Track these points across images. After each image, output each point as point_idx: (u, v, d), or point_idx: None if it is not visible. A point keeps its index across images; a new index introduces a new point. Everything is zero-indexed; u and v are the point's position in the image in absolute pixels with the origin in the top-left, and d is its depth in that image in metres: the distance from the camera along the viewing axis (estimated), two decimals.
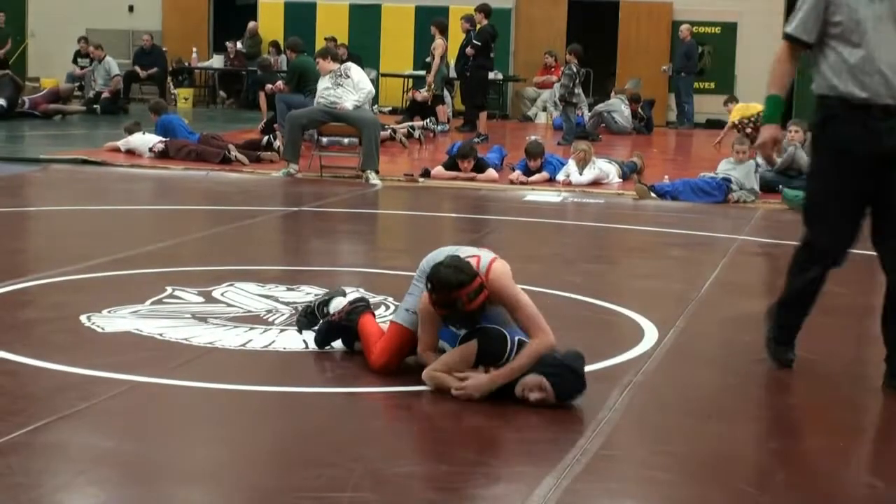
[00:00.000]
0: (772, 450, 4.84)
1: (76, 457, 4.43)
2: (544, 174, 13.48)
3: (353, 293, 6.39)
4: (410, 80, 22.42)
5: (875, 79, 5.30)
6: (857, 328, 7.21)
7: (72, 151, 14.97)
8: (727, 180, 12.46)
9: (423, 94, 19.62)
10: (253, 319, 6.52)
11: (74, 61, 23.42)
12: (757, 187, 12.57)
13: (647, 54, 23.30)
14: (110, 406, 5.01)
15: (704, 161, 15.22)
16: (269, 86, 17.69)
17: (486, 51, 18.13)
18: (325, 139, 13.98)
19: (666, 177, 13.27)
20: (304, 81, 15.41)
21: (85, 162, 14.23)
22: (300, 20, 24.25)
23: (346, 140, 13.95)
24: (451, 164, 13.61)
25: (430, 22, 20.07)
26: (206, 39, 25.75)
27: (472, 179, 13.37)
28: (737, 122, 17.30)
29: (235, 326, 6.35)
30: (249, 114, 21.36)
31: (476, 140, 17.01)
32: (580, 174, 13.32)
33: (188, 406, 5.20)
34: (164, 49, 24.73)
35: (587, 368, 5.23)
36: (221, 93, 24.67)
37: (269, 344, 6.06)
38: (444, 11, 21.82)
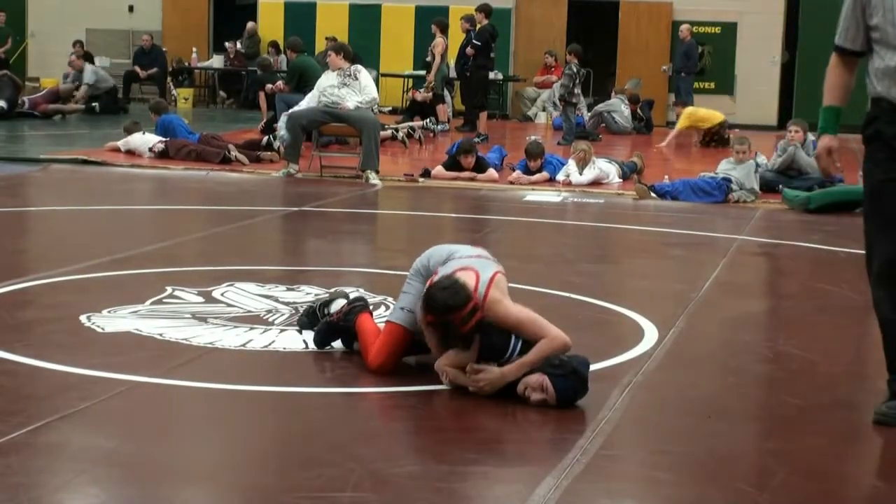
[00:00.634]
0: (771, 450, 4.83)
1: (76, 457, 4.43)
2: (544, 174, 13.48)
3: (352, 294, 6.39)
4: (410, 80, 22.42)
5: None
6: (856, 328, 7.21)
7: (72, 151, 14.97)
8: (727, 180, 12.45)
9: (423, 94, 19.62)
10: (253, 319, 6.52)
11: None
12: (757, 187, 12.57)
13: (647, 54, 23.31)
14: (110, 406, 5.01)
15: (704, 161, 15.21)
16: (269, 86, 17.69)
17: (486, 51, 18.12)
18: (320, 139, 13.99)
19: (666, 177, 13.27)
20: (304, 81, 15.41)
21: (85, 162, 14.23)
22: (300, 20, 24.26)
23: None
24: (451, 164, 13.61)
25: (430, 22, 20.08)
26: (206, 39, 25.76)
27: (472, 179, 13.37)
28: (698, 130, 17.52)
29: (235, 326, 6.35)
30: (249, 114, 21.36)
31: (476, 140, 17.01)
32: (580, 174, 13.32)
33: (188, 406, 5.20)
34: (164, 49, 24.75)
35: None
36: (221, 93, 24.68)
37: (269, 344, 6.06)
38: (444, 11, 21.81)
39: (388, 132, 16.78)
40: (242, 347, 5.98)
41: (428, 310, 5.23)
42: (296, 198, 12.09)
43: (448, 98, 20.30)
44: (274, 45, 23.01)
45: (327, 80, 13.45)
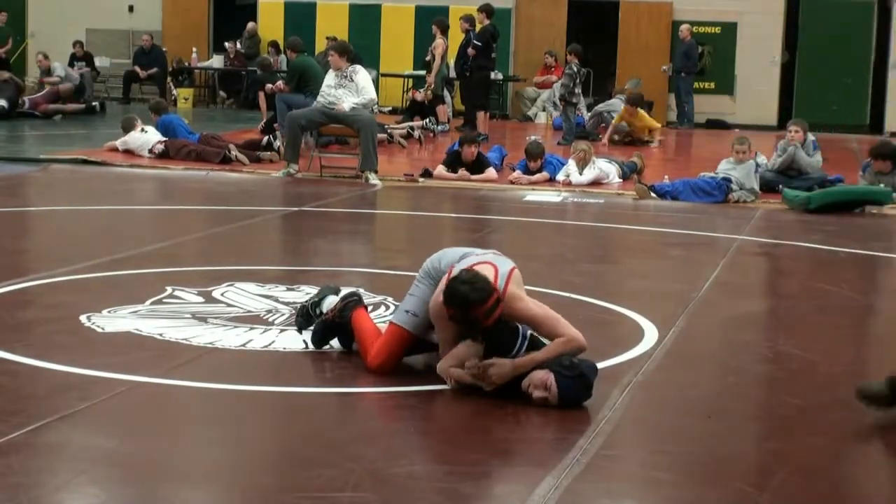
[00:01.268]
0: (771, 450, 4.84)
1: (76, 457, 4.43)
2: (544, 174, 13.48)
3: (343, 290, 6.35)
4: (410, 80, 22.42)
5: None
6: (856, 328, 7.21)
7: (72, 151, 14.97)
8: (727, 180, 12.45)
9: (423, 94, 19.62)
10: (253, 319, 6.52)
11: (71, 65, 23.38)
12: (757, 187, 12.57)
13: (647, 54, 23.30)
14: (110, 406, 5.01)
15: (704, 161, 15.21)
16: (268, 86, 17.68)
17: (487, 51, 18.11)
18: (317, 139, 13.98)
19: (666, 177, 13.27)
20: (304, 81, 15.39)
21: (85, 162, 14.23)
22: (300, 20, 24.25)
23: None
24: (452, 158, 13.60)
25: (430, 22, 20.07)
26: (206, 39, 25.75)
27: (471, 180, 13.37)
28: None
29: (235, 326, 6.35)
30: (249, 114, 21.36)
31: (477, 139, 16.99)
32: (580, 174, 13.33)
33: (188, 406, 5.20)
34: (164, 49, 24.74)
35: None
36: (221, 93, 24.67)
37: (269, 344, 6.06)
38: (444, 11, 21.80)
39: (384, 136, 16.78)
40: (242, 347, 5.98)
41: (450, 304, 5.19)
42: (296, 198, 12.09)
43: (448, 98, 20.30)
44: (274, 45, 23.01)
45: (327, 80, 13.48)
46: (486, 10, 18.35)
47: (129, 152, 14.70)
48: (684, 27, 22.35)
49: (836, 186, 12.63)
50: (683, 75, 22.20)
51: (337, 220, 11.04)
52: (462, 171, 13.43)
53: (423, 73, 20.39)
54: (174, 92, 23.84)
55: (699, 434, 4.98)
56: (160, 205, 11.91)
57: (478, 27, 18.20)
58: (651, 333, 6.49)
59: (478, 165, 13.51)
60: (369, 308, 6.62)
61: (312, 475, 4.28)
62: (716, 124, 22.51)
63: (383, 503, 4.08)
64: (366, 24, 24.18)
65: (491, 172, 13.50)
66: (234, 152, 14.29)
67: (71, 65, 23.34)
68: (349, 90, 13.28)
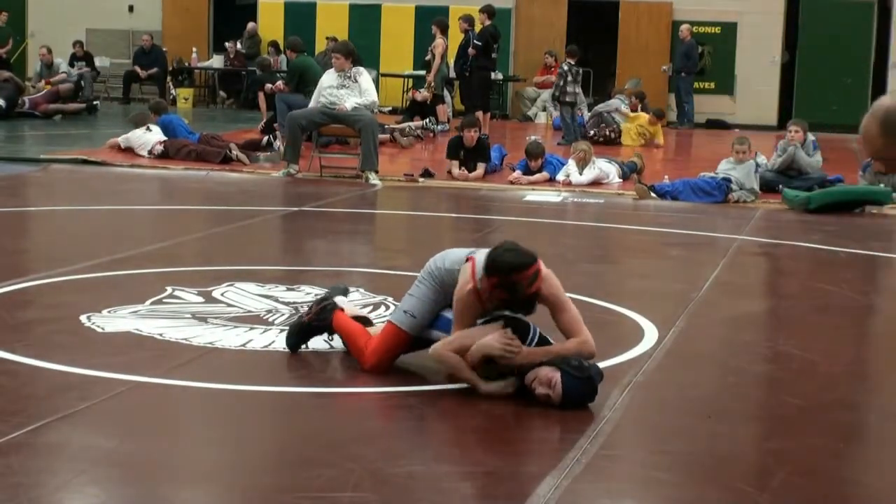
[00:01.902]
0: (771, 450, 4.83)
1: (76, 457, 4.43)
2: (544, 174, 13.49)
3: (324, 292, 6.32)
4: (410, 80, 22.42)
5: None
6: (856, 328, 7.21)
7: (72, 151, 14.97)
8: (727, 180, 12.45)
9: (422, 94, 19.62)
10: (253, 319, 6.52)
11: (71, 64, 23.38)
12: (757, 187, 12.57)
13: (647, 54, 23.30)
14: (110, 406, 5.01)
15: (704, 161, 15.21)
16: (268, 86, 17.69)
17: (487, 51, 18.11)
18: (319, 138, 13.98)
19: (666, 177, 13.27)
20: (304, 81, 15.39)
21: (85, 162, 14.23)
22: (300, 20, 24.25)
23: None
24: (454, 149, 13.60)
25: (430, 22, 20.08)
26: (206, 39, 25.75)
27: (464, 179, 13.38)
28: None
29: (235, 326, 6.35)
30: (249, 114, 21.36)
31: None
32: (580, 174, 13.33)
33: (188, 406, 5.21)
34: (164, 49, 24.74)
35: None
36: (221, 93, 24.67)
37: (269, 344, 6.06)
38: (444, 11, 21.81)
39: (387, 135, 16.78)
40: (242, 347, 5.98)
41: (494, 271, 5.17)
42: (296, 198, 12.09)
43: (448, 98, 20.30)
44: (274, 45, 23.00)
45: (327, 81, 13.45)
46: (488, 10, 18.35)
47: (129, 150, 14.70)
48: (684, 27, 22.35)
49: (836, 186, 12.63)
50: (683, 75, 22.20)
51: (337, 220, 11.04)
52: (462, 171, 13.46)
53: (423, 73, 20.39)
54: (174, 92, 23.84)
55: (699, 434, 4.98)
56: (160, 205, 11.91)
57: (478, 27, 18.19)
58: (651, 333, 6.49)
59: (479, 148, 13.52)
60: (369, 308, 6.64)
61: (312, 475, 4.28)
62: (716, 124, 22.51)
63: (383, 503, 4.08)
64: (366, 24, 24.18)
65: (479, 171, 13.48)
66: (236, 151, 14.29)
67: (71, 65, 23.34)
68: (352, 91, 13.28)
